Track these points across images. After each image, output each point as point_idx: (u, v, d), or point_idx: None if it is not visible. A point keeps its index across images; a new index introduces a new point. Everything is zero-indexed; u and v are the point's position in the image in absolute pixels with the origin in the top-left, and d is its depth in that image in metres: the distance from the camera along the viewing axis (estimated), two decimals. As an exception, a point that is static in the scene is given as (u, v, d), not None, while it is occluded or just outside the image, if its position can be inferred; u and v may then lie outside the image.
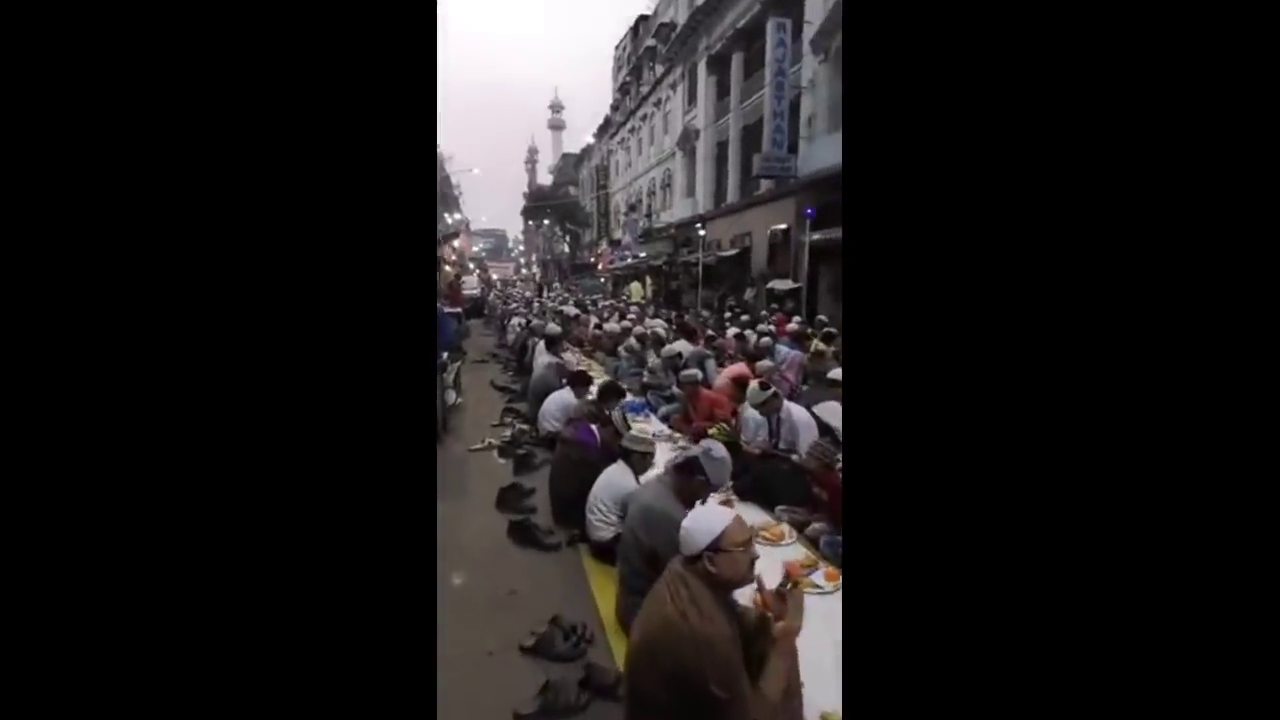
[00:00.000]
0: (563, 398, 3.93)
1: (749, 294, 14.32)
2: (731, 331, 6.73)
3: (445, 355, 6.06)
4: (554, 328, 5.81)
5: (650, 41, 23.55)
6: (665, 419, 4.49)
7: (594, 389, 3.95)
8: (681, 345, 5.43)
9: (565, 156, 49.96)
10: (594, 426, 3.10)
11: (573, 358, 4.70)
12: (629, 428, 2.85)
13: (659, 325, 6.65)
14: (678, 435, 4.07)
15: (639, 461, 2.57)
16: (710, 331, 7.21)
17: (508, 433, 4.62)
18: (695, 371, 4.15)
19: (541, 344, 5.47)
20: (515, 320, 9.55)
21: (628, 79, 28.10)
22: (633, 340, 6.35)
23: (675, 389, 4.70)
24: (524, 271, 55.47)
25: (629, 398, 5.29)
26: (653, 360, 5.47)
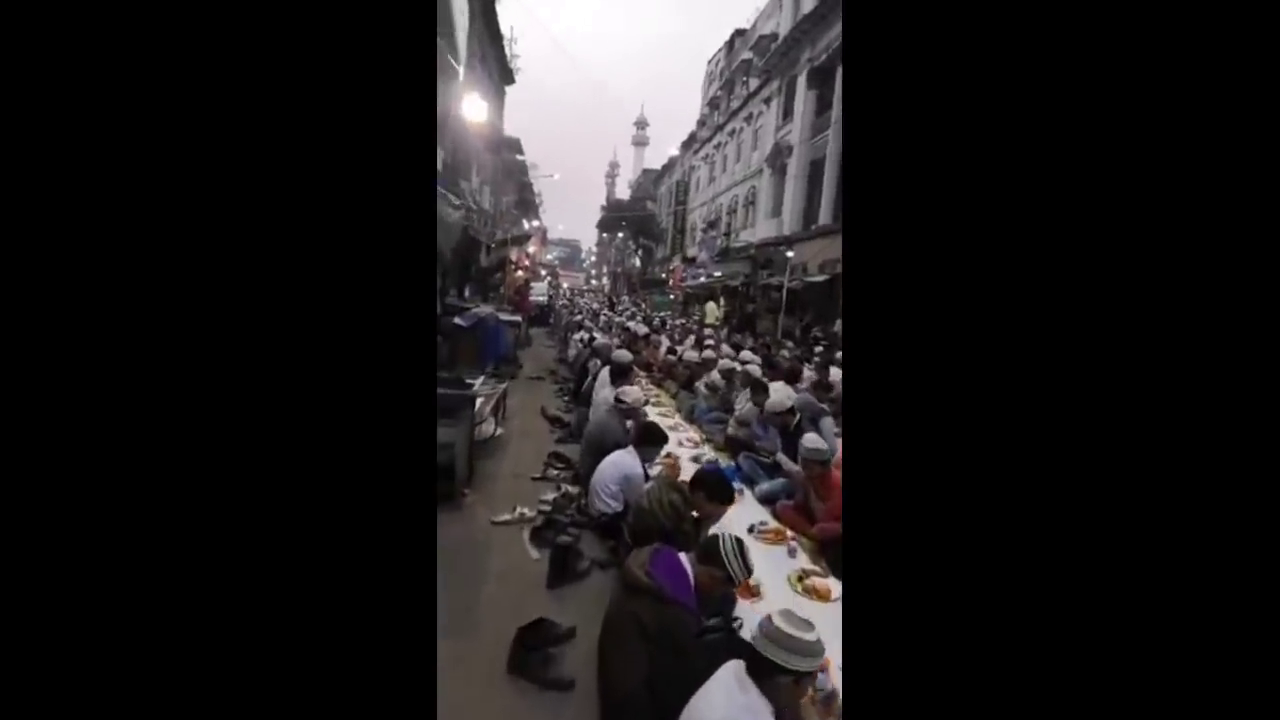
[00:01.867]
0: (624, 464, 2.84)
1: (838, 325, 12.84)
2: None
3: (489, 372, 5.07)
4: (622, 354, 4.61)
5: (747, 54, 22.62)
6: (769, 502, 3.18)
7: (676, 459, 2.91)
8: (783, 391, 4.11)
9: (645, 172, 49.92)
10: (687, 562, 1.68)
11: (638, 391, 3.47)
12: (746, 572, 1.66)
13: (753, 363, 5.13)
14: (791, 537, 2.68)
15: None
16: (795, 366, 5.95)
17: (549, 496, 3.48)
18: (822, 445, 2.82)
19: (605, 372, 4.30)
20: (578, 335, 8.53)
21: (718, 93, 27.30)
22: (716, 376, 5.07)
23: (780, 457, 3.43)
24: (594, 282, 55.91)
25: (706, 452, 4.10)
26: (743, 406, 4.21)
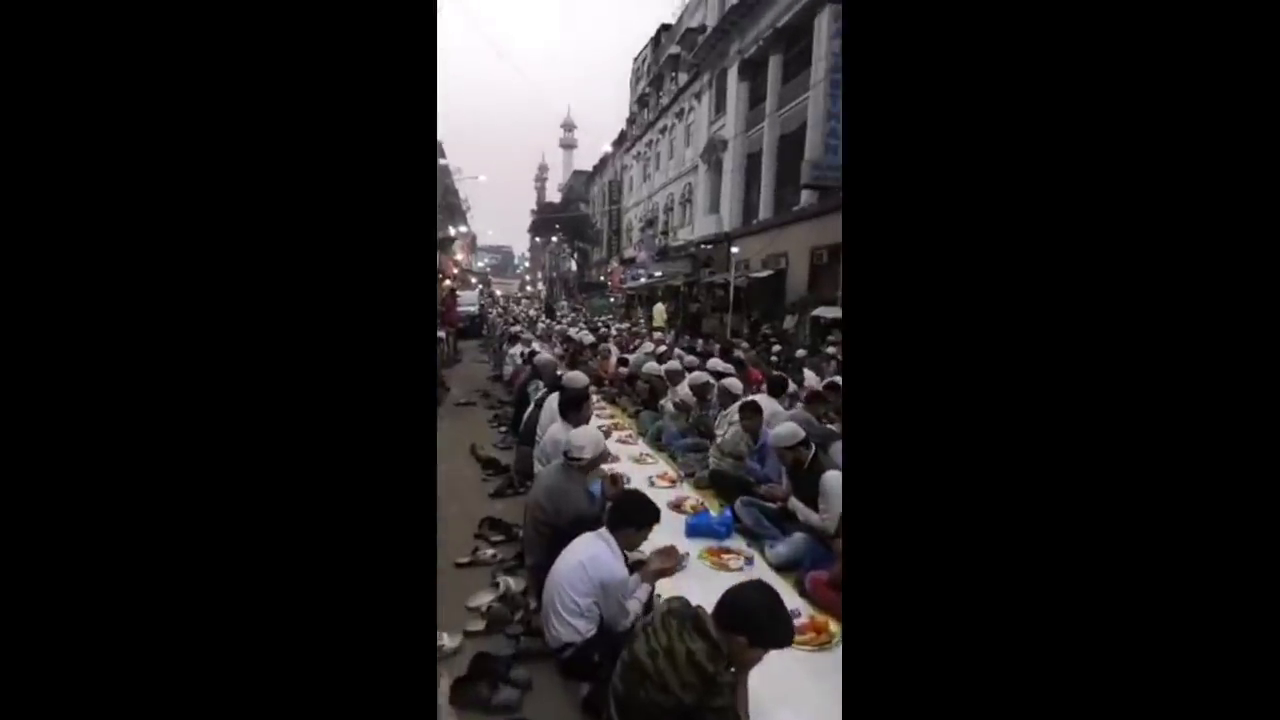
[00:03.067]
0: (597, 562, 1.78)
1: (789, 322, 12.44)
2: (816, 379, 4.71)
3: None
4: (574, 377, 3.64)
5: (674, 49, 22.16)
6: (787, 568, 2.29)
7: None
8: (783, 416, 3.30)
9: (576, 174, 48.88)
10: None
11: (597, 436, 2.46)
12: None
13: (731, 377, 4.07)
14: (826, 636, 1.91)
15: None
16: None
17: (481, 601, 2.24)
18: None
19: (551, 400, 3.33)
20: (515, 349, 7.45)
21: (647, 90, 26.74)
22: (686, 391, 4.21)
23: (795, 504, 2.59)
24: (529, 288, 54.21)
25: (683, 492, 3.26)
26: (727, 431, 3.39)
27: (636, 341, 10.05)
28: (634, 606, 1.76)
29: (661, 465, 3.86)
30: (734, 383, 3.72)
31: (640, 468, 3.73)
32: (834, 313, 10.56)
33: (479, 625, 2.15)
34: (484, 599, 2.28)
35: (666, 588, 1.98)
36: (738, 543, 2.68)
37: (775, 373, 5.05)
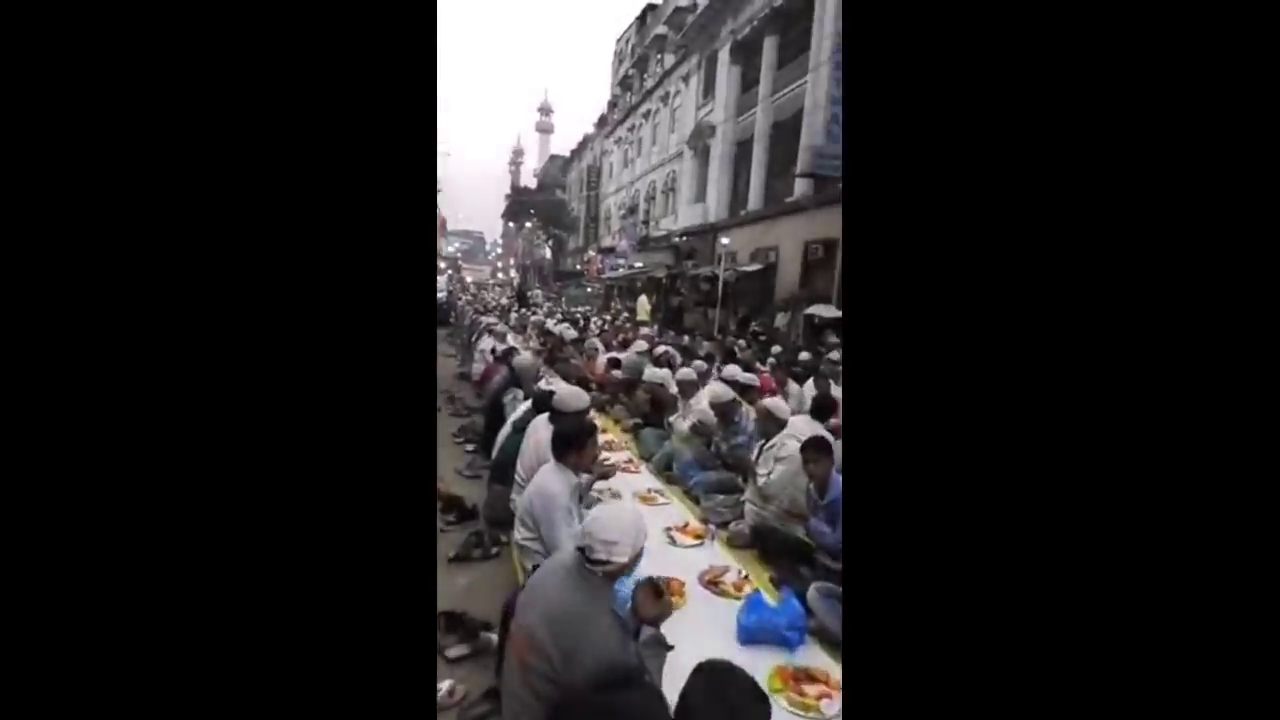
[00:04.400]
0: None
1: (780, 319, 11.74)
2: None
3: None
4: (570, 398, 2.58)
5: (661, 29, 21.11)
6: None
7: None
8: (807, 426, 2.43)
9: (553, 158, 47.36)
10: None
11: (634, 520, 1.37)
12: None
13: (773, 396, 3.11)
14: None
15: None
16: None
17: None
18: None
19: (538, 428, 2.43)
20: (486, 343, 6.43)
21: (630, 72, 25.63)
22: (704, 409, 3.33)
23: None
24: (500, 275, 52.61)
25: (715, 556, 2.40)
26: (774, 471, 2.53)
27: (621, 336, 9.11)
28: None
29: (678, 507, 2.94)
30: (779, 404, 2.81)
31: (650, 510, 2.83)
32: (830, 312, 9.89)
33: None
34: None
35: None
36: (815, 654, 1.83)
37: (820, 385, 4.18)
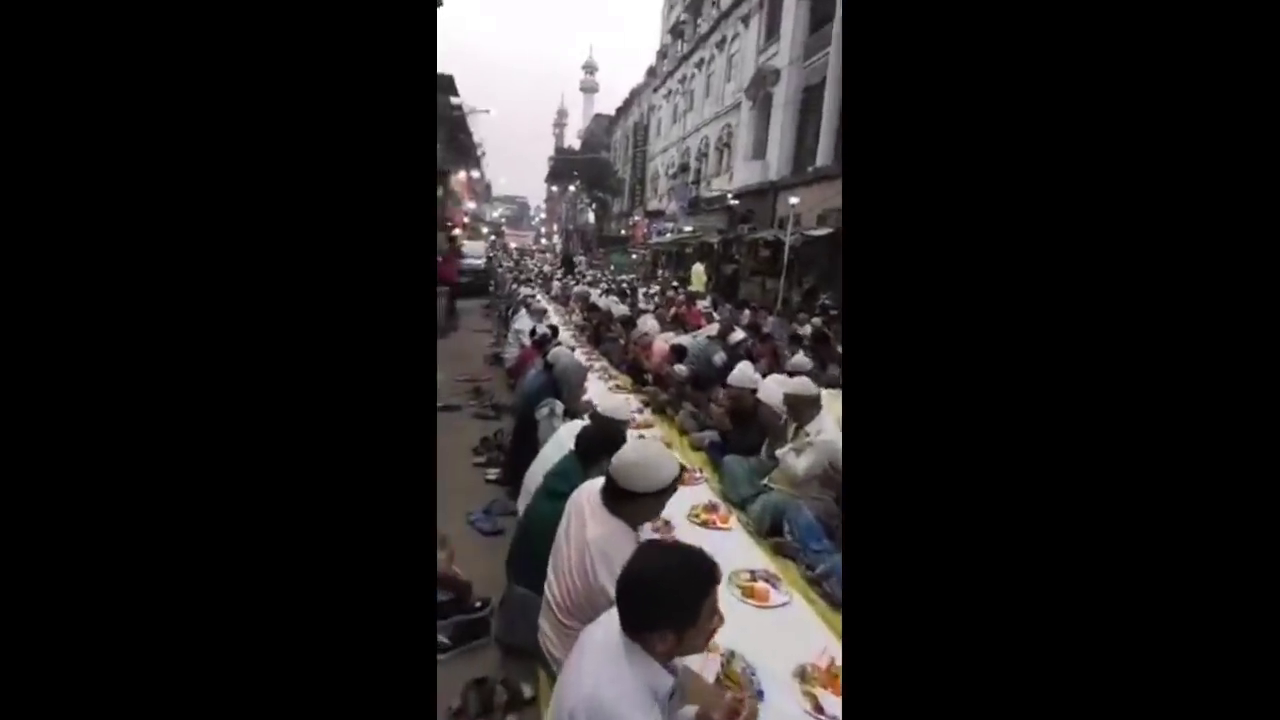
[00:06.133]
0: None
1: (854, 292, 10.29)
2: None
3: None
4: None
5: (717, -36, 19.05)
6: None
7: None
8: None
9: (598, 117, 45.50)
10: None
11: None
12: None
13: None
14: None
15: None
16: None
17: None
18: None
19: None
20: (523, 322, 5.44)
21: (682, 18, 23.58)
22: (834, 443, 2.12)
23: None
24: (544, 241, 51.84)
25: (824, 639, 1.35)
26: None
27: (674, 310, 7.96)
28: None
29: (801, 604, 1.91)
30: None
31: (761, 612, 1.77)
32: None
33: None
34: None
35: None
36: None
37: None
